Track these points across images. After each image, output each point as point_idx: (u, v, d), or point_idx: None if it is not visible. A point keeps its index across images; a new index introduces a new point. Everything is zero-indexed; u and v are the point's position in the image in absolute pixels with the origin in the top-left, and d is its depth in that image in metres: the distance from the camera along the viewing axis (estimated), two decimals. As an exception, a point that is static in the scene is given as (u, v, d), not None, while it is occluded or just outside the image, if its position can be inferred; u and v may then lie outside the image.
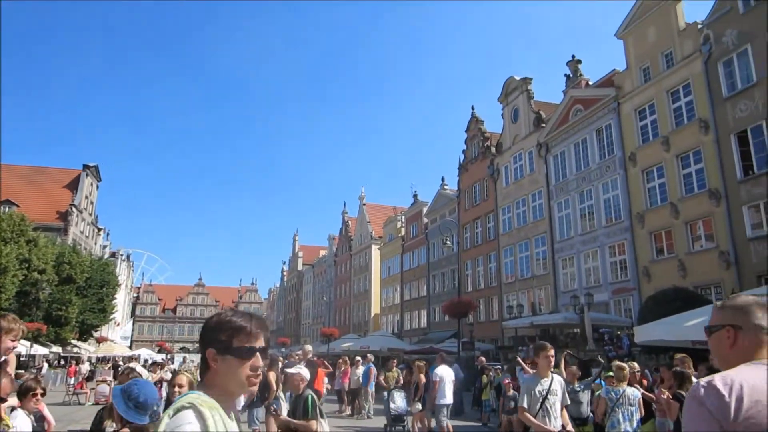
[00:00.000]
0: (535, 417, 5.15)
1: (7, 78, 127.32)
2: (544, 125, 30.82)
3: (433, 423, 11.67)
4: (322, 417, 4.95)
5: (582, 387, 8.37)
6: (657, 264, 22.57)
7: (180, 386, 4.16)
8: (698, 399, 1.57)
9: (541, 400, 5.17)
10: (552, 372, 5.39)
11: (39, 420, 4.96)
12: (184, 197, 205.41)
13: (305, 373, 5.20)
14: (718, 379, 1.59)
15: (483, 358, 19.82)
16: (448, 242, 31.82)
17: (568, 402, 5.67)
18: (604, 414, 7.09)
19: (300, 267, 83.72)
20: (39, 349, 31.78)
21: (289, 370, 5.25)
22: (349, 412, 18.02)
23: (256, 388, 1.70)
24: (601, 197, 26.14)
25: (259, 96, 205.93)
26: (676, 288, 18.78)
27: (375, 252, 55.76)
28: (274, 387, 8.90)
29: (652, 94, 23.67)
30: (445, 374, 11.61)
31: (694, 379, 6.41)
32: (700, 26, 21.53)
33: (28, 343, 28.36)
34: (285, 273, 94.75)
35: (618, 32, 25.68)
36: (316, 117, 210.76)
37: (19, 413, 3.81)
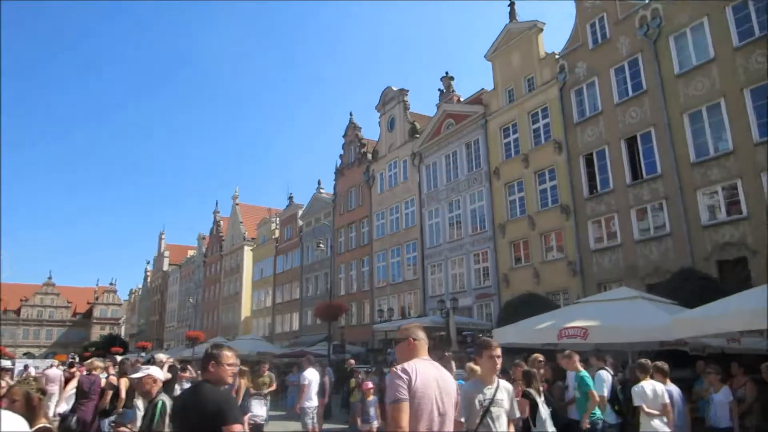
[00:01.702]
0: None
1: None
2: (418, 136, 32.08)
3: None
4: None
5: None
6: (515, 271, 24.41)
7: (13, 401, 3.33)
8: (398, 376, 3.04)
9: (482, 412, 4.18)
10: (498, 377, 4.41)
11: None
12: (34, 185, 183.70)
13: (156, 372, 4.75)
14: (406, 366, 3.09)
15: (352, 361, 20.13)
16: (321, 245, 32.00)
17: (517, 414, 4.60)
18: None
19: (166, 267, 79.11)
20: None
21: (135, 375, 4.83)
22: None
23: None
24: (468, 207, 27.73)
25: (127, 81, 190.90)
26: (531, 294, 20.57)
27: (247, 253, 54.30)
28: (123, 396, 8.36)
29: (515, 114, 25.61)
30: (313, 377, 11.71)
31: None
32: (557, 56, 23.71)
33: None
34: (149, 273, 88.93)
35: (487, 54, 27.45)
36: (188, 110, 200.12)
37: None
